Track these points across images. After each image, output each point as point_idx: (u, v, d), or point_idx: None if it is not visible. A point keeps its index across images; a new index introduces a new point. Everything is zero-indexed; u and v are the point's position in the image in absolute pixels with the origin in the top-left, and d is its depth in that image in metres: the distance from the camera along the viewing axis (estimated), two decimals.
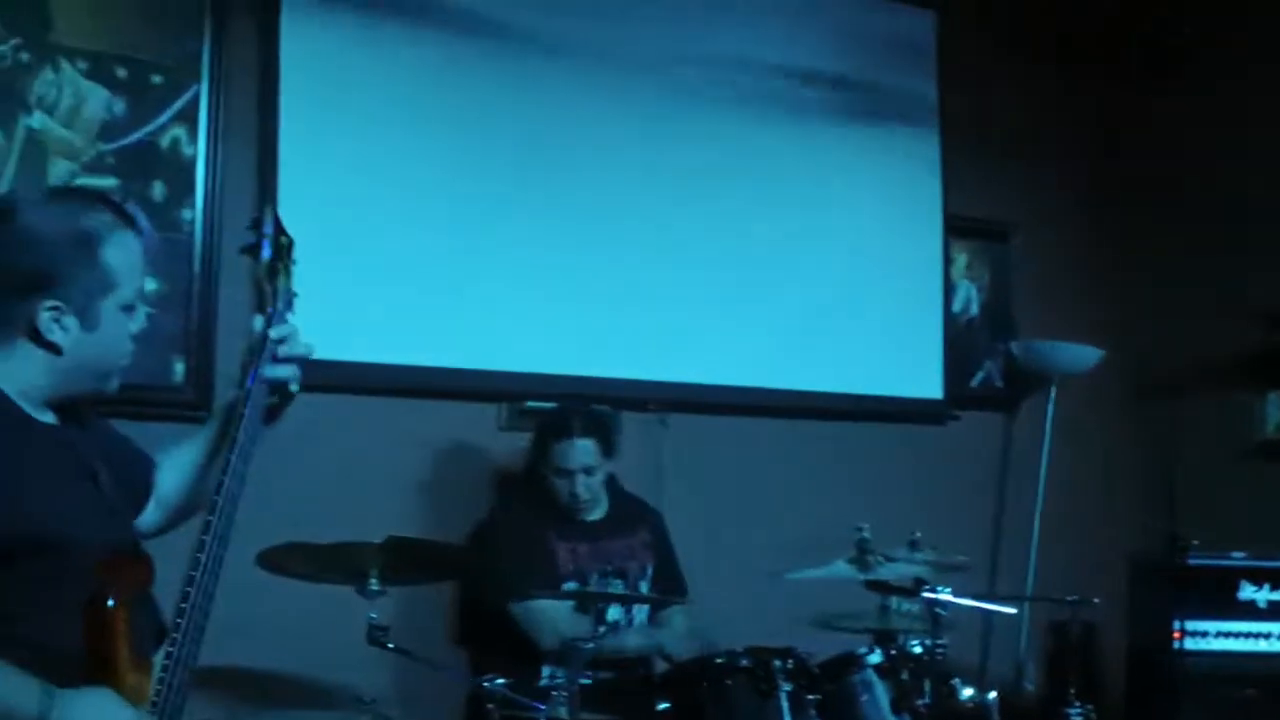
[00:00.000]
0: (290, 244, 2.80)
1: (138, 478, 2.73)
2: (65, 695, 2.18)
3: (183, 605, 2.35)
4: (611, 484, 4.63)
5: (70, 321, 2.38)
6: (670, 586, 4.65)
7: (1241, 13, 6.16)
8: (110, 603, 2.25)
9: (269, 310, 2.72)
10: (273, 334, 2.69)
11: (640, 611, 4.54)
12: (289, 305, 2.77)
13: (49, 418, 2.44)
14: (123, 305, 2.46)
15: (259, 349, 2.68)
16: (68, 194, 2.67)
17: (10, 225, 2.38)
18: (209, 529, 2.43)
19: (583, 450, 4.45)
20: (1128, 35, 6.34)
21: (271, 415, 2.71)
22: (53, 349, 2.38)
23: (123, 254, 2.45)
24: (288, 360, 2.72)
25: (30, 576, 2.24)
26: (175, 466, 2.82)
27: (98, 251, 2.40)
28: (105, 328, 2.43)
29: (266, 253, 2.76)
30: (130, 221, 2.49)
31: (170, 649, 2.32)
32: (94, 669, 2.23)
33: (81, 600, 2.25)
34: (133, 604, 2.31)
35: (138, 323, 2.51)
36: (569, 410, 4.56)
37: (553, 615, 4.21)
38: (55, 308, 2.36)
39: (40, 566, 2.25)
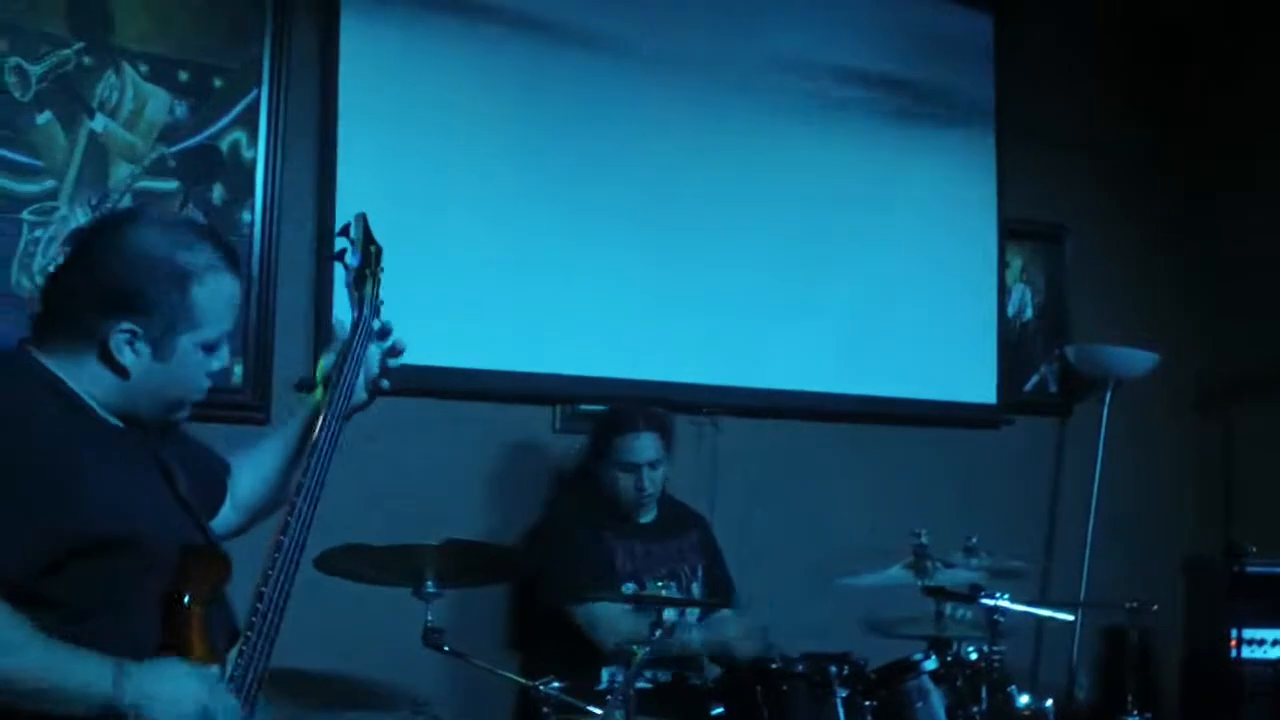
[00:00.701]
0: (379, 252, 2.82)
1: (213, 480, 2.73)
2: (137, 667, 2.19)
3: (258, 605, 2.36)
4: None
5: (143, 348, 2.35)
6: (719, 589, 4.65)
7: None
8: (186, 599, 2.27)
9: (357, 316, 2.73)
10: (380, 343, 2.75)
11: (692, 613, 4.54)
12: (376, 313, 2.77)
13: (116, 421, 2.42)
14: (203, 344, 2.42)
15: (349, 355, 2.70)
16: (182, 225, 2.59)
17: (118, 236, 2.37)
18: (287, 530, 2.44)
19: (648, 444, 4.48)
20: (1187, 38, 6.28)
21: (347, 417, 2.70)
22: (120, 371, 2.35)
23: (215, 296, 2.41)
24: (387, 368, 2.77)
25: (102, 572, 2.24)
26: (253, 468, 2.82)
27: (189, 288, 2.36)
28: (179, 361, 2.39)
29: (355, 260, 2.77)
30: (234, 265, 2.47)
31: (244, 647, 2.33)
32: None
33: (156, 596, 2.27)
34: (208, 602, 2.33)
35: (219, 361, 2.48)
36: (631, 406, 4.58)
37: (613, 616, 4.20)
38: (131, 331, 2.33)
39: (111, 563, 2.24)
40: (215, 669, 2.29)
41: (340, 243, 2.80)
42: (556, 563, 4.36)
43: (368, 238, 2.81)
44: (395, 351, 2.83)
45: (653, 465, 4.49)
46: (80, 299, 2.35)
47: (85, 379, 2.35)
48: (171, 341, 2.37)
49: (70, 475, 2.23)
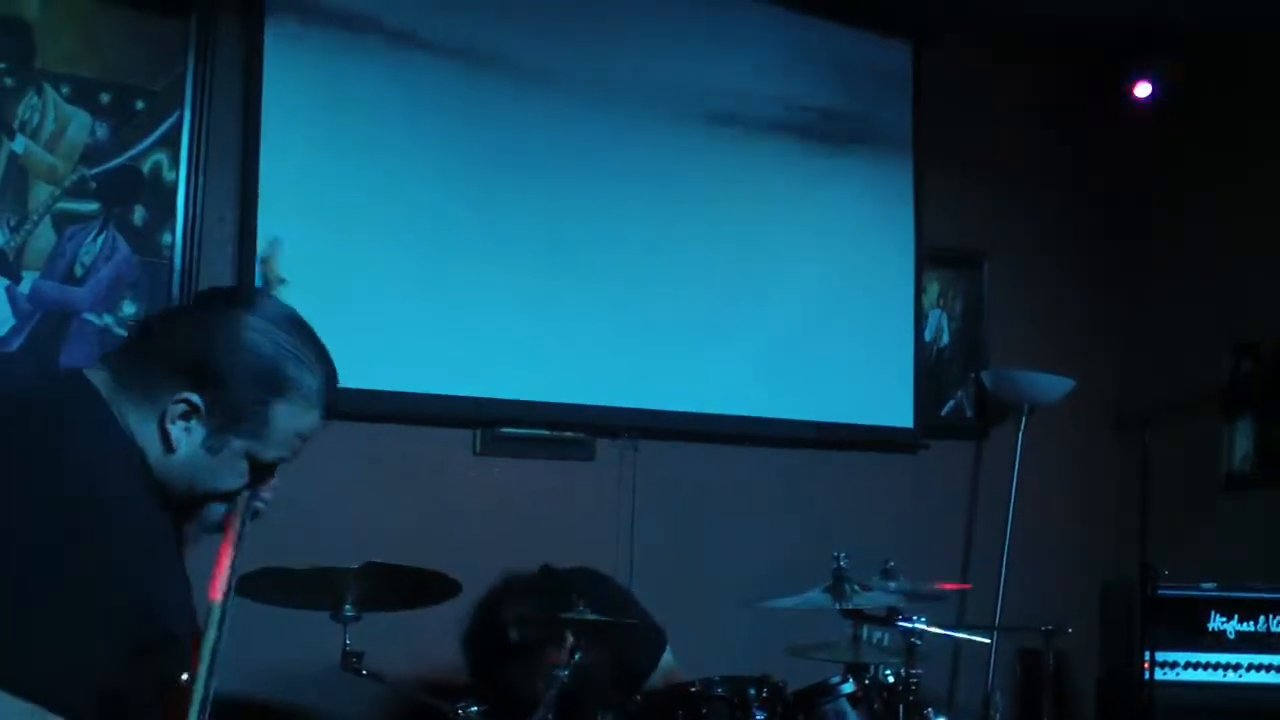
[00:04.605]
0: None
1: None
2: None
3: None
4: None
5: (198, 430, 2.21)
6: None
7: (1220, 50, 6.23)
8: (185, 676, 2.15)
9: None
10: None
11: None
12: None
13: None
14: (252, 456, 2.28)
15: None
16: (309, 337, 2.38)
17: (237, 315, 2.23)
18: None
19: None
20: (1104, 69, 6.39)
21: None
22: (167, 443, 2.20)
23: (291, 422, 2.28)
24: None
25: (152, 672, 2.10)
26: None
27: (274, 400, 2.25)
28: (224, 459, 2.25)
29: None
30: (327, 408, 2.35)
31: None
32: None
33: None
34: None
35: (245, 479, 2.30)
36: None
37: None
38: (191, 405, 2.19)
39: (161, 663, 2.10)
40: None
41: None
42: None
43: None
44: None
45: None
46: (175, 348, 2.22)
47: (144, 439, 2.21)
48: (226, 439, 2.24)
49: (150, 581, 2.09)
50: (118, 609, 2.03)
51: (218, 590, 2.12)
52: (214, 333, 2.22)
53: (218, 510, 2.32)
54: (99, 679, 2.01)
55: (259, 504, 2.36)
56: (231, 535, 2.24)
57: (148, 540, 2.15)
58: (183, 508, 2.30)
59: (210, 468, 2.25)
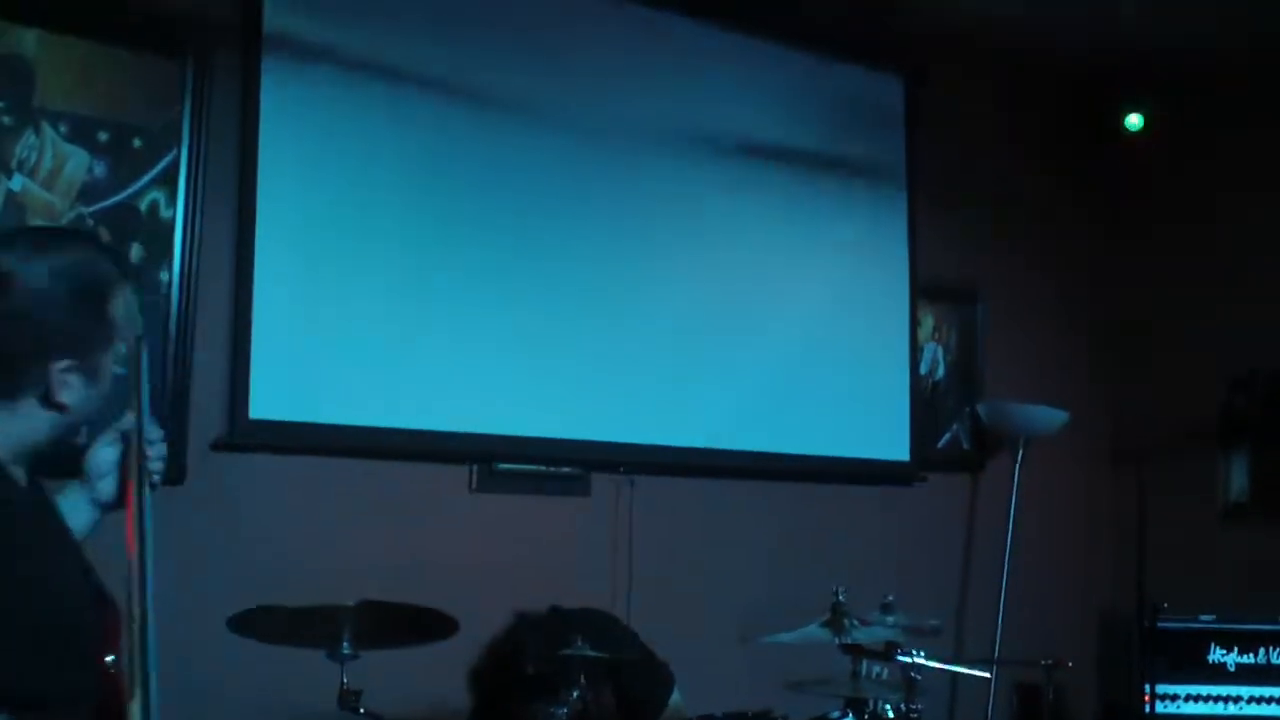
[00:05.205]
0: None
1: None
2: None
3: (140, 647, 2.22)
4: None
5: (77, 379, 2.22)
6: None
7: (1213, 83, 6.27)
8: (110, 658, 2.19)
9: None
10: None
11: None
12: None
13: (21, 475, 2.27)
14: (119, 358, 2.32)
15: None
16: (64, 240, 2.44)
17: (10, 288, 2.21)
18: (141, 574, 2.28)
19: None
20: (1098, 104, 6.42)
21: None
22: (61, 409, 2.23)
23: (125, 307, 2.31)
24: None
25: (61, 660, 2.13)
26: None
27: (106, 307, 2.26)
28: (105, 381, 2.29)
29: None
30: (129, 272, 2.38)
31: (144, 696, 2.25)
32: None
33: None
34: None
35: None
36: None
37: None
38: (66, 368, 2.21)
39: (70, 648, 2.15)
40: None
41: None
42: None
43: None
44: None
45: None
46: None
47: (17, 429, 2.22)
48: (99, 362, 2.27)
49: (32, 568, 2.12)
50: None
51: (132, 547, 2.22)
52: (21, 307, 2.20)
53: (101, 463, 2.38)
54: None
55: (154, 475, 2.41)
56: (132, 491, 2.32)
57: (13, 526, 2.16)
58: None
59: (102, 394, 2.29)
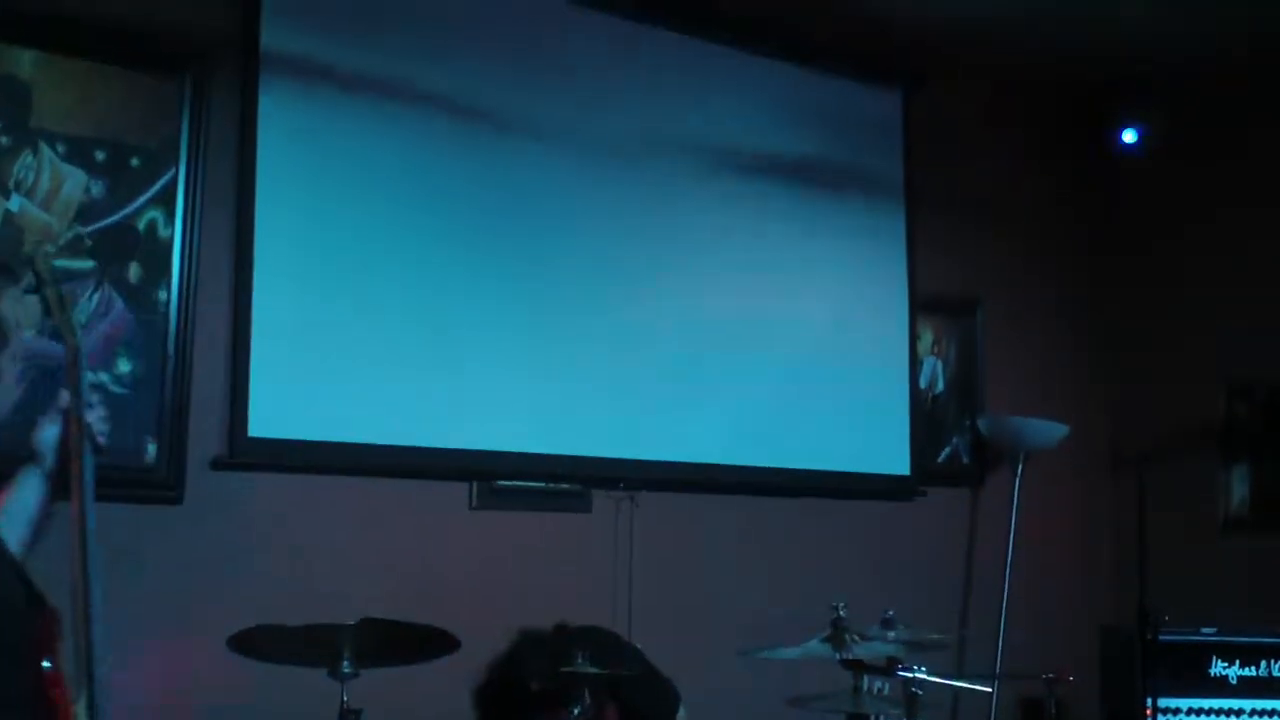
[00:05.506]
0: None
1: None
2: None
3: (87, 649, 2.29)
4: None
5: None
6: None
7: (1211, 93, 6.28)
8: (47, 664, 2.20)
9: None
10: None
11: None
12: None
13: None
14: (13, 357, 2.47)
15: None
16: None
17: None
18: (84, 571, 2.38)
19: None
20: (1095, 115, 6.43)
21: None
22: None
23: (13, 306, 2.46)
24: None
25: None
26: (13, 517, 2.71)
27: None
28: (4, 381, 2.44)
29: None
30: (11, 274, 2.53)
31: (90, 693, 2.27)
32: None
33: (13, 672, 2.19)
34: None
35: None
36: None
37: None
38: None
39: None
40: None
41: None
42: None
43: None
44: None
45: None
46: None
47: None
48: None
49: None
50: None
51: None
52: None
53: (46, 440, 2.64)
54: None
55: (100, 437, 2.69)
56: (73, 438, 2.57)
57: None
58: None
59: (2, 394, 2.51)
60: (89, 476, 2.59)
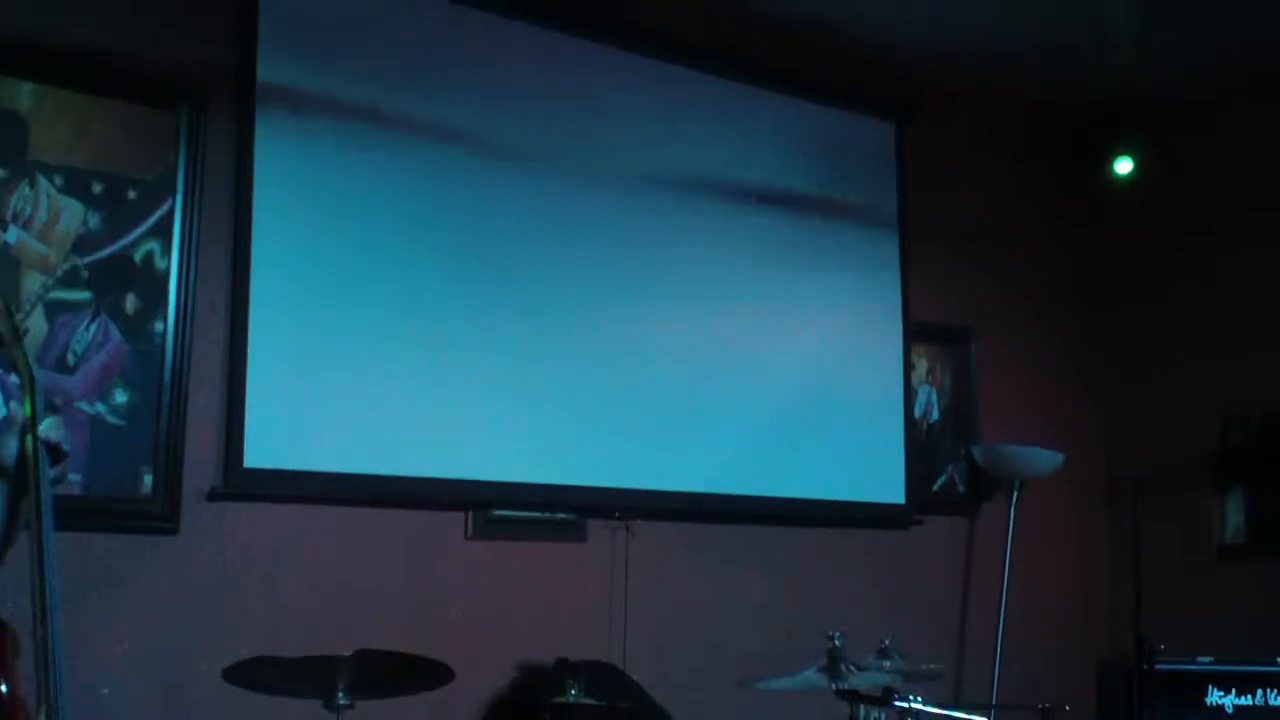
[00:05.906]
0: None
1: None
2: None
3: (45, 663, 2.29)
4: None
5: None
6: None
7: (1203, 124, 6.30)
8: (4, 689, 2.19)
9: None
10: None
11: None
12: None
13: None
14: None
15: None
16: None
17: None
18: (43, 592, 2.39)
19: None
20: (1090, 144, 6.45)
21: None
22: None
23: None
24: None
25: None
26: None
27: None
28: None
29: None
30: None
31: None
32: None
33: None
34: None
35: None
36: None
37: None
38: None
39: None
40: None
41: None
42: None
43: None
44: None
45: None
46: None
47: None
48: None
49: None
50: None
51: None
52: None
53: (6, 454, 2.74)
54: None
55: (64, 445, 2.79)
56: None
57: None
58: None
59: None
60: (47, 493, 2.66)
